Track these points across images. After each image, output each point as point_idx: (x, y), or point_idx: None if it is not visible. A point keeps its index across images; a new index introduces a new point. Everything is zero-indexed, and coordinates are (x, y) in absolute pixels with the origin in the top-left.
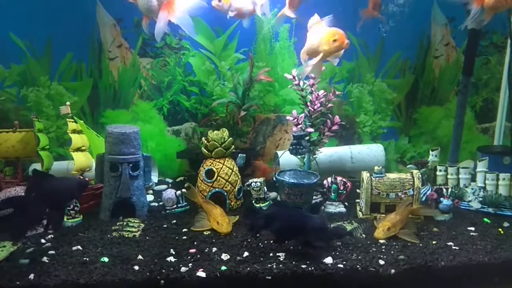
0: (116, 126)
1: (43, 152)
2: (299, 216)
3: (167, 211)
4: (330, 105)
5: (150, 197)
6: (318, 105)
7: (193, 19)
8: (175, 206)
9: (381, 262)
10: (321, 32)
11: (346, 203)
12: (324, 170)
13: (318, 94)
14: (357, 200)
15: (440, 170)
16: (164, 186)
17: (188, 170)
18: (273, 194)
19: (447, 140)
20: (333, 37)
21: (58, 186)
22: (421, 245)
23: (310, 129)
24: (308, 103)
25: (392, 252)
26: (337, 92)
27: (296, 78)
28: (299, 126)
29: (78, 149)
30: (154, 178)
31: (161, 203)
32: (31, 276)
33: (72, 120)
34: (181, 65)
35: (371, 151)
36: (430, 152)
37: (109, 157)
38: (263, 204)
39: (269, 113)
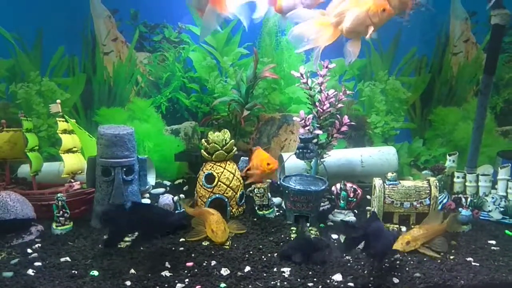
0: (109, 127)
1: (31, 153)
2: (388, 235)
3: None
4: (340, 105)
5: (146, 202)
6: (328, 105)
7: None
8: None
9: (395, 280)
10: (364, 5)
11: (356, 211)
12: (332, 175)
13: (327, 93)
14: (368, 208)
15: (458, 177)
16: (162, 190)
17: (187, 172)
18: (277, 200)
19: (464, 144)
20: (382, 6)
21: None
22: (438, 261)
23: (319, 131)
24: (317, 103)
25: (407, 268)
26: (348, 92)
27: (304, 76)
28: (306, 128)
29: (69, 151)
30: (151, 180)
31: None
32: None
33: (63, 119)
34: (180, 60)
35: (382, 155)
36: (447, 157)
37: (101, 161)
38: (267, 212)
39: (274, 112)
